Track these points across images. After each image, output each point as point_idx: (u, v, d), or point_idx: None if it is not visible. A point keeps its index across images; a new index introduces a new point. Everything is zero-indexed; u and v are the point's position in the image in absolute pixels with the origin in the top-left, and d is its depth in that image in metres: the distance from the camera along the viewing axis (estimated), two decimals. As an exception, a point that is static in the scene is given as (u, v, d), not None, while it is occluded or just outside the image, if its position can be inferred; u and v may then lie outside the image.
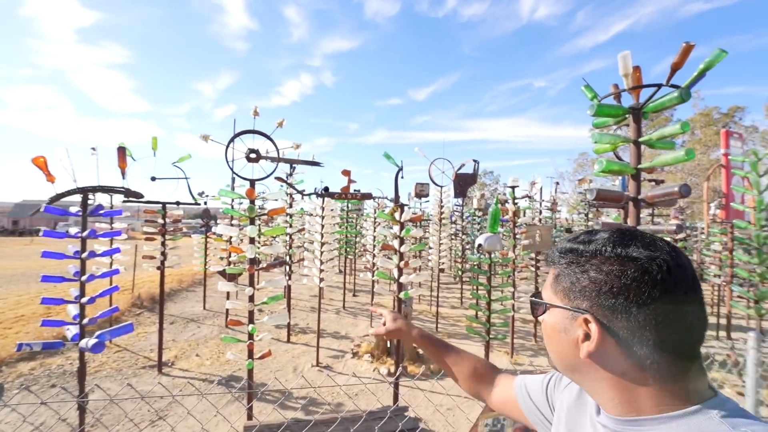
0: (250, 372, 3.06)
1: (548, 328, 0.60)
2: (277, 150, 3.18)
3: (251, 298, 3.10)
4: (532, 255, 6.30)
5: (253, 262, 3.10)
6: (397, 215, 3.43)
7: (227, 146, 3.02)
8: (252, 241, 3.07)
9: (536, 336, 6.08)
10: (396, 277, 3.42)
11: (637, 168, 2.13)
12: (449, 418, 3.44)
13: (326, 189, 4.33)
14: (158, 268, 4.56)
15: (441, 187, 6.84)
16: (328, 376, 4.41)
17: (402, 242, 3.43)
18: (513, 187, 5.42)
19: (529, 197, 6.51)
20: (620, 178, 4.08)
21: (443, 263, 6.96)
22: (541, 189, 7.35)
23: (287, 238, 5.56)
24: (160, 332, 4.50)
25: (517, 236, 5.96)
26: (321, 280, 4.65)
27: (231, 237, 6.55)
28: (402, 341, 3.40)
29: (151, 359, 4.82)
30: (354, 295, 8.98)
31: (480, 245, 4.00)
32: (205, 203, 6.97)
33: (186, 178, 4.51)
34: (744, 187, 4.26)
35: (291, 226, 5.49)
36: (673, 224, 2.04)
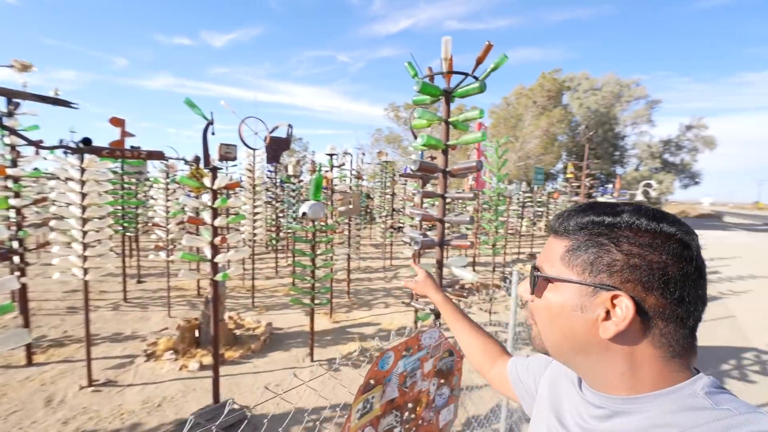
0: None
1: (555, 307, 0.54)
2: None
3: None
4: (346, 220, 6.74)
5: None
6: (208, 181, 2.78)
7: None
8: (-72, 223, 1.77)
9: (349, 293, 6.67)
10: (210, 256, 2.83)
11: (446, 144, 2.50)
12: (280, 395, 3.31)
13: (87, 141, 3.04)
14: None
15: (254, 150, 6.17)
16: (109, 394, 3.34)
17: (216, 214, 2.84)
18: (331, 155, 5.49)
19: (343, 166, 6.82)
20: (420, 153, 4.81)
21: (258, 234, 6.45)
22: (351, 158, 7.83)
23: (12, 213, 3.64)
24: None
25: (334, 203, 6.19)
26: (85, 271, 3.35)
27: None
28: (218, 324, 2.90)
29: None
30: (139, 282, 7.13)
31: (304, 213, 3.86)
32: None
33: None
34: (488, 164, 5.94)
35: (18, 195, 3.61)
36: (470, 193, 2.53)
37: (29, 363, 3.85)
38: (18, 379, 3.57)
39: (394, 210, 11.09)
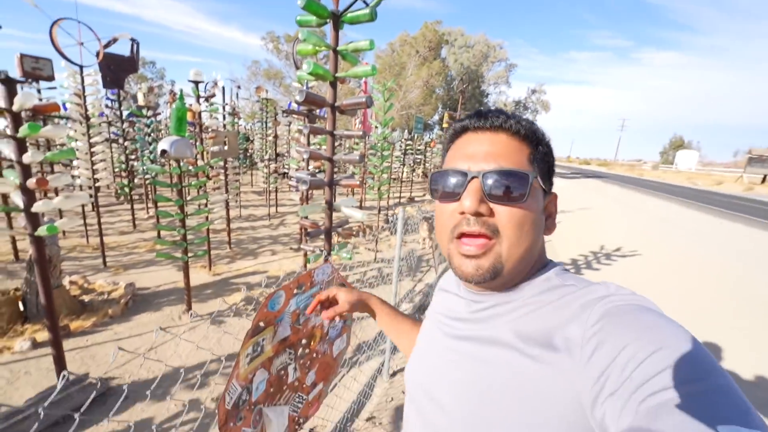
0: None
1: (536, 212, 0.54)
2: None
3: None
4: (221, 162, 5.95)
5: None
6: (1, 101, 1.96)
7: None
8: None
9: (230, 244, 6.16)
10: (23, 206, 2.10)
11: (335, 76, 2.32)
12: (151, 358, 2.94)
13: None
14: None
15: (81, 67, 4.66)
16: None
17: (23, 147, 2.08)
18: (196, 82, 4.58)
19: (213, 98, 5.82)
20: (304, 85, 4.43)
21: (100, 179, 5.15)
22: (224, 90, 6.73)
23: None
24: None
25: (204, 141, 5.35)
26: None
27: None
28: (51, 290, 2.28)
29: None
30: None
31: (164, 151, 3.21)
32: None
33: None
34: (375, 108, 5.93)
35: None
36: (360, 131, 2.47)
37: None
38: None
39: (277, 154, 10.33)
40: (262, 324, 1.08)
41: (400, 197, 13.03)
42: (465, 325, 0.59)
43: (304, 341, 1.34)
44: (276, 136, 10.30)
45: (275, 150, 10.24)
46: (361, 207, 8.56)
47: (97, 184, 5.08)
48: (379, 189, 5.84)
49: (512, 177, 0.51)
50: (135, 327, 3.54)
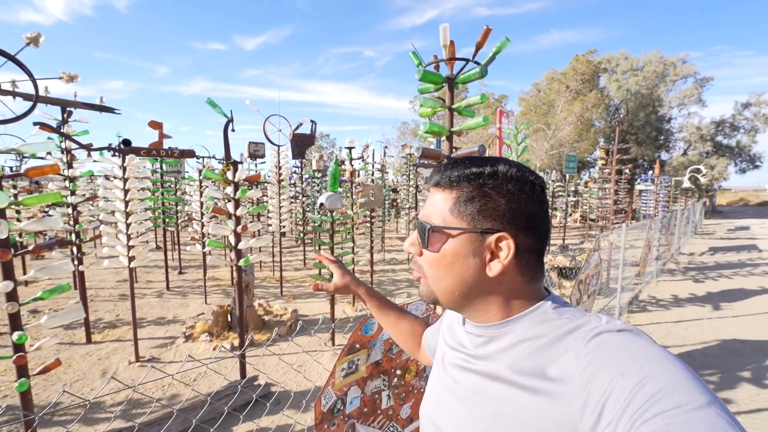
0: (25, 395, 2.24)
1: (448, 257, 0.58)
2: (33, 80, 2.20)
3: (11, 296, 2.19)
4: (368, 212, 6.90)
5: (6, 244, 2.15)
6: (229, 174, 3.02)
7: None
8: (1, 214, 2.11)
9: (372, 284, 6.85)
10: (233, 244, 3.08)
11: (450, 130, 2.55)
12: (303, 374, 3.54)
13: (126, 142, 3.38)
14: None
15: (278, 146, 6.46)
16: (154, 368, 3.74)
17: (237, 205, 3.08)
18: (350, 149, 5.65)
19: (363, 159, 6.97)
20: (436, 139, 4.84)
21: (284, 227, 6.77)
22: (373, 152, 7.96)
23: (70, 210, 4.12)
24: None
25: (354, 195, 6.36)
26: (131, 259, 3.74)
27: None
28: (244, 310, 3.17)
29: None
30: (180, 273, 7.72)
31: (322, 204, 4.05)
32: None
33: None
34: (508, 153, 5.83)
35: (74, 193, 4.08)
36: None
37: (88, 341, 4.36)
38: (80, 354, 4.08)
39: (417, 202, 11.13)
40: (357, 345, 1.27)
41: (548, 245, 11.68)
42: (469, 358, 0.62)
43: (398, 372, 1.45)
44: (417, 186, 11.21)
45: (416, 198, 11.10)
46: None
47: (282, 230, 6.69)
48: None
49: (420, 227, 0.60)
50: (293, 346, 4.33)
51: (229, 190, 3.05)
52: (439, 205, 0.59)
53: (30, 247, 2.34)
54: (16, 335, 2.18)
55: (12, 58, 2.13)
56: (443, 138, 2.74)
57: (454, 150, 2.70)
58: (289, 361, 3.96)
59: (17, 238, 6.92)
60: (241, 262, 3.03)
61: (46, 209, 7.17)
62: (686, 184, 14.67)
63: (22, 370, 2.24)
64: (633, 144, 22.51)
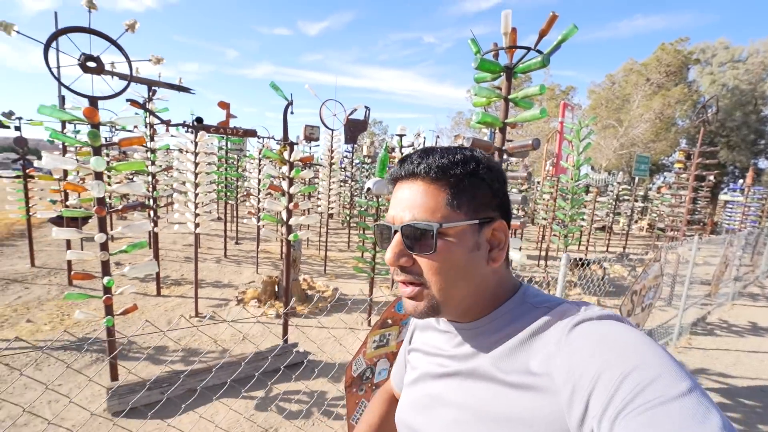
0: (110, 330, 2.65)
1: (459, 257, 0.52)
2: (129, 61, 2.51)
3: (104, 246, 2.58)
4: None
5: (102, 203, 2.53)
6: (286, 154, 3.22)
7: (47, 45, 2.23)
8: (99, 176, 2.47)
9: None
10: (285, 219, 3.31)
11: (504, 122, 2.47)
12: (336, 348, 3.74)
13: (199, 120, 3.73)
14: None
15: (332, 130, 6.67)
16: (211, 319, 4.18)
17: (291, 183, 3.29)
18: (401, 136, 5.68)
19: (414, 147, 6.96)
20: (490, 131, 4.69)
21: (332, 209, 7.04)
22: (424, 140, 7.90)
23: (150, 178, 4.67)
24: (-40, 297, 3.41)
25: (402, 183, 6.41)
26: (196, 226, 4.16)
27: (65, 173, 5.14)
28: (290, 281, 3.41)
29: (-52, 332, 3.67)
30: (237, 243, 8.41)
31: (369, 189, 4.15)
32: (18, 128, 5.15)
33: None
34: (569, 149, 5.47)
35: (154, 163, 4.61)
36: (524, 172, 2.48)
37: (158, 294, 4.98)
38: (151, 304, 4.68)
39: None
40: (389, 321, 1.34)
41: (606, 251, 10.83)
42: (449, 361, 0.59)
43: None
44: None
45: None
46: (546, 257, 7.75)
47: (330, 212, 6.97)
48: (565, 237, 5.21)
49: (418, 230, 0.51)
50: (332, 321, 4.57)
51: (285, 169, 3.26)
52: (431, 200, 0.52)
53: (119, 207, 2.72)
54: (105, 279, 2.58)
55: (114, 42, 2.46)
56: (496, 129, 2.67)
57: (507, 142, 2.62)
58: (324, 335, 4.19)
59: (107, 199, 8.00)
60: (291, 237, 3.25)
61: (131, 176, 8.17)
62: (787, 197, 12.62)
63: (108, 309, 2.65)
64: (723, 147, 19.74)
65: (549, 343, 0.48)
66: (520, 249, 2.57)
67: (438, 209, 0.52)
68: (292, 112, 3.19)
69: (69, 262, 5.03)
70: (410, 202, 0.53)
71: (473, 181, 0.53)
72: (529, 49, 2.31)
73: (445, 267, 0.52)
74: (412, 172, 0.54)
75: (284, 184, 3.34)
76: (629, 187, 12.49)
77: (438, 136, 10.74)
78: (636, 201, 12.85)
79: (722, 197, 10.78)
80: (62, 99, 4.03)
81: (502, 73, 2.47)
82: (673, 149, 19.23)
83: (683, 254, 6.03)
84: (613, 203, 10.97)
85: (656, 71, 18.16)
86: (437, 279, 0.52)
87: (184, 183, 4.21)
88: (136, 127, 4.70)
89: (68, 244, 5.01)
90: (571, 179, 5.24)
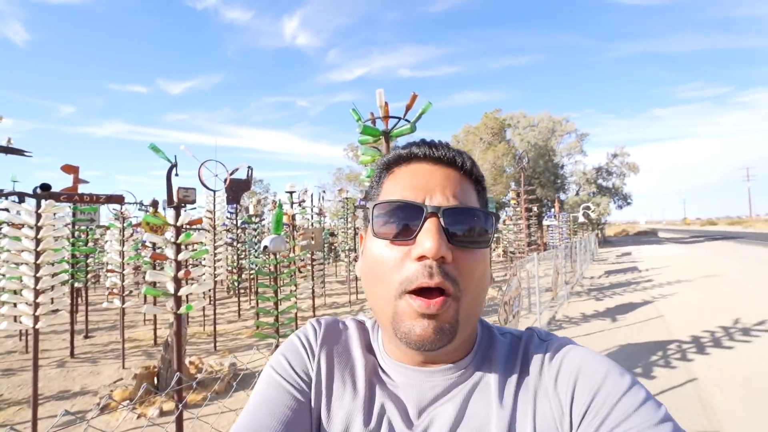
0: None
1: (483, 264, 0.44)
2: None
3: None
4: (309, 255, 6.92)
5: None
6: (171, 219, 2.97)
7: None
8: None
9: (316, 328, 6.69)
10: (173, 291, 2.94)
11: (388, 174, 2.94)
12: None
13: (45, 186, 3.14)
14: None
15: (214, 191, 6.31)
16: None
17: (179, 250, 3.00)
18: (291, 192, 5.80)
19: (301, 203, 7.12)
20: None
21: (219, 274, 6.41)
22: (311, 196, 8.16)
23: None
24: None
25: (296, 238, 6.39)
26: (36, 320, 3.26)
27: None
28: (183, 362, 2.93)
29: None
30: (87, 337, 6.64)
31: (266, 247, 4.07)
32: None
33: None
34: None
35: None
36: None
37: (-40, 431, 3.51)
38: (-53, 449, 3.25)
39: (356, 245, 11.39)
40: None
41: (478, 277, 12.62)
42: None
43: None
44: (355, 230, 11.51)
45: (354, 242, 11.34)
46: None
47: (216, 278, 6.32)
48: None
49: (477, 216, 0.43)
50: (234, 402, 4.01)
51: (169, 234, 2.98)
52: (472, 193, 0.47)
53: None
54: None
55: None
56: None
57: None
58: (231, 419, 3.66)
59: None
60: (183, 309, 2.89)
61: None
62: (581, 219, 17.42)
63: None
64: (537, 186, 26.21)
65: (534, 370, 0.45)
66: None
67: (471, 202, 0.45)
68: (177, 174, 3.02)
69: None
70: (452, 186, 0.44)
71: (484, 183, 0.50)
72: (399, 118, 2.90)
73: (486, 268, 0.44)
74: (452, 159, 0.46)
75: (169, 252, 3.02)
76: (485, 223, 15.24)
77: (323, 191, 11.19)
78: (491, 233, 15.71)
79: (544, 223, 14.23)
80: None
81: (380, 137, 2.99)
82: (507, 190, 24.48)
83: (530, 270, 7.63)
84: (476, 237, 13.12)
85: (485, 132, 23.46)
86: (475, 283, 0.43)
87: (16, 265, 3.31)
88: None
89: None
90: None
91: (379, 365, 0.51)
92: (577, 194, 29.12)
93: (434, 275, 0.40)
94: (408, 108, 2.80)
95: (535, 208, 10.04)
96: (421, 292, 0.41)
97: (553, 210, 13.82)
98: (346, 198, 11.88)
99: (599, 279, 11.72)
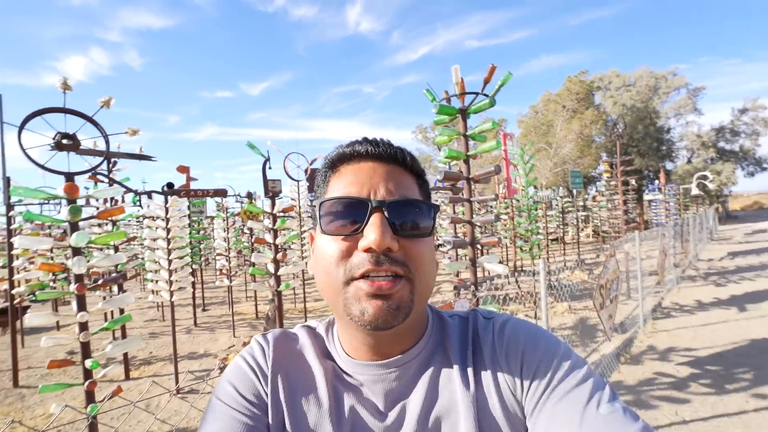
0: (93, 425, 2.40)
1: (429, 251, 0.47)
2: (105, 137, 2.55)
3: (83, 327, 2.41)
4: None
5: (82, 279, 2.42)
6: (267, 207, 3.31)
7: (21, 128, 2.23)
8: (78, 252, 2.39)
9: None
10: (273, 271, 3.32)
11: (467, 155, 2.83)
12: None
13: (170, 185, 3.73)
14: None
15: (298, 181, 6.84)
16: (192, 405, 3.86)
17: (276, 235, 3.35)
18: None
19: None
20: (448, 163, 5.16)
21: (306, 257, 7.01)
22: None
23: (112, 251, 4.42)
24: None
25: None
26: (172, 294, 3.98)
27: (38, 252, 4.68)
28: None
29: None
30: (204, 310, 7.90)
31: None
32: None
33: None
34: (516, 172, 6.13)
35: (116, 236, 4.40)
36: (493, 196, 2.82)
37: (127, 377, 4.51)
38: (123, 389, 4.22)
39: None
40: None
41: (564, 261, 11.67)
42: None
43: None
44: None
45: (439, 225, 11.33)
46: (516, 271, 8.22)
47: (304, 260, 6.92)
48: (530, 249, 5.67)
49: (419, 208, 0.46)
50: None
51: (267, 221, 3.33)
52: (413, 186, 0.50)
53: (99, 282, 2.60)
54: (89, 362, 2.39)
55: (90, 119, 2.50)
56: (454, 162, 3.03)
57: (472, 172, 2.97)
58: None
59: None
60: (282, 287, 3.25)
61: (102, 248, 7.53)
62: (695, 191, 14.74)
63: (90, 396, 2.42)
64: (636, 155, 22.80)
65: (486, 347, 0.49)
66: (501, 263, 2.83)
67: (414, 190, 0.49)
68: (270, 167, 3.35)
69: (14, 360, 4.42)
70: (394, 180, 0.47)
71: (428, 187, 0.53)
72: (477, 93, 2.75)
73: (431, 255, 0.48)
74: (393, 155, 0.48)
75: (268, 237, 3.39)
76: (570, 200, 13.83)
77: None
78: (579, 211, 14.20)
79: (646, 197, 12.36)
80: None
81: (457, 115, 2.88)
82: (597, 162, 21.80)
83: (630, 251, 6.78)
84: (561, 216, 12.04)
85: (569, 99, 21.01)
86: (423, 269, 0.46)
87: (153, 250, 4.06)
88: (106, 200, 4.52)
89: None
90: (524, 197, 5.83)
91: (340, 369, 0.51)
92: (689, 162, 24.59)
93: (382, 263, 0.43)
94: (486, 81, 2.63)
95: (633, 181, 8.79)
96: (370, 277, 0.43)
97: (657, 182, 11.94)
98: (438, 170, 11.86)
99: (720, 261, 9.89)
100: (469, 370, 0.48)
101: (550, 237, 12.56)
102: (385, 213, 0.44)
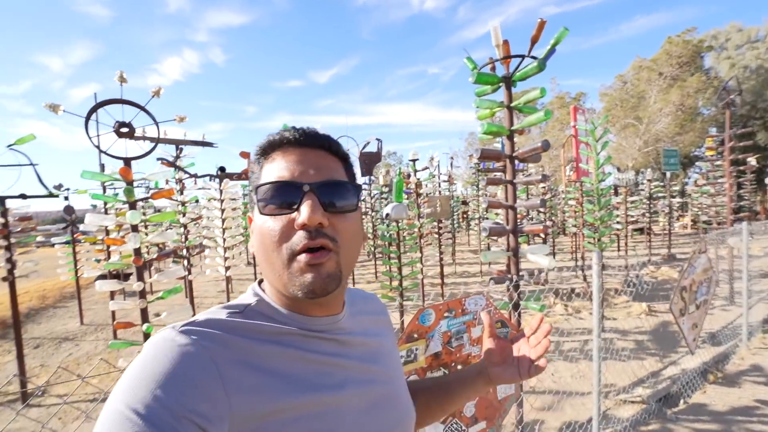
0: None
1: (359, 225, 0.56)
2: (156, 124, 2.77)
3: (142, 294, 2.72)
4: (435, 222, 6.89)
5: (139, 253, 2.70)
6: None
7: (87, 118, 2.51)
8: (135, 229, 2.67)
9: (443, 296, 6.74)
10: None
11: (510, 129, 2.49)
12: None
13: (222, 169, 3.99)
14: (4, 279, 3.62)
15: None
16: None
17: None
18: (414, 161, 5.77)
19: (428, 170, 7.04)
20: (501, 141, 4.71)
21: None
22: (438, 164, 7.98)
23: (182, 229, 4.96)
24: (20, 358, 3.64)
25: (420, 206, 6.43)
26: (227, 269, 4.32)
27: (107, 229, 5.55)
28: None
29: (9, 393, 3.89)
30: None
31: (387, 214, 4.20)
32: (66, 198, 5.68)
33: (32, 165, 3.60)
34: (587, 151, 5.35)
35: (184, 215, 4.91)
36: (539, 175, 2.45)
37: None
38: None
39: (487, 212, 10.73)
40: (415, 335, 1.32)
41: (649, 254, 10.14)
42: (358, 363, 0.57)
43: (459, 366, 1.44)
44: (486, 196, 10.82)
45: (486, 209, 10.71)
46: (582, 266, 7.37)
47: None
48: (598, 239, 4.97)
49: (344, 187, 0.53)
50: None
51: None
52: (338, 167, 0.55)
53: (154, 256, 2.90)
54: (144, 326, 2.70)
55: (143, 109, 2.74)
56: (504, 138, 2.68)
57: (516, 149, 2.62)
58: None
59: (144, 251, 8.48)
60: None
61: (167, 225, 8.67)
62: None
63: (148, 357, 2.75)
64: (759, 129, 18.62)
65: (378, 310, 0.70)
66: (548, 254, 2.48)
67: (340, 171, 0.55)
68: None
69: (113, 313, 5.28)
70: (321, 164, 0.53)
71: (352, 168, 0.59)
72: (523, 56, 2.37)
73: (357, 229, 0.54)
74: (318, 141, 0.54)
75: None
76: (662, 184, 11.87)
77: (452, 158, 10.83)
78: (673, 197, 12.13)
79: (768, 181, 9.99)
80: (102, 167, 4.46)
81: (501, 84, 2.52)
82: (702, 139, 18.32)
83: (737, 246, 5.59)
84: (647, 202, 10.42)
85: (667, 64, 17.80)
86: (350, 241, 0.52)
87: (211, 229, 4.43)
88: (167, 182, 5.08)
89: (111, 296, 5.30)
90: (595, 180, 5.08)
91: (300, 328, 0.53)
92: (840, 136, 19.35)
93: (315, 238, 0.49)
94: (534, 41, 2.24)
95: (752, 160, 7.13)
96: (307, 251, 0.49)
97: (785, 162, 9.61)
98: (476, 163, 11.20)
99: None
100: (380, 322, 0.69)
101: (632, 227, 10.98)
102: (316, 193, 0.50)
